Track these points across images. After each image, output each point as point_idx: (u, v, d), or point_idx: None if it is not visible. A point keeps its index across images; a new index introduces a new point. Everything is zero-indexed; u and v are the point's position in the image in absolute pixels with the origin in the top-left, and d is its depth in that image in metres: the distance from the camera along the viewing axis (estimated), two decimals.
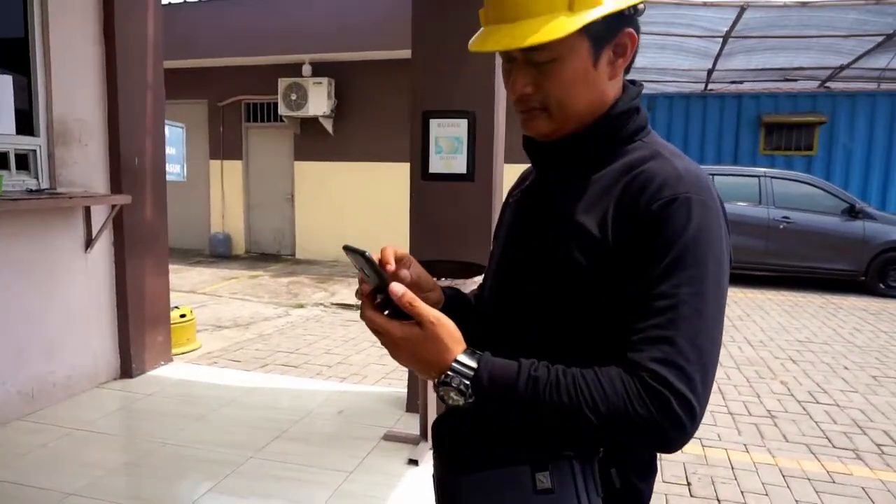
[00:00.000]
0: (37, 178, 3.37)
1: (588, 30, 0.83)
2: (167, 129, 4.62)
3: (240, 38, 8.88)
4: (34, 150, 3.36)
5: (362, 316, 0.84)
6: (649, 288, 0.80)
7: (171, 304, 4.55)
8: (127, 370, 3.93)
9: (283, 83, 9.06)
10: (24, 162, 3.32)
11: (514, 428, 0.81)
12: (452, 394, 0.80)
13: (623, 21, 0.87)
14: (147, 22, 3.93)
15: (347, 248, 0.83)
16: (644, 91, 1.00)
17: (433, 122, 3.34)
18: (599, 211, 0.86)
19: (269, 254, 10.38)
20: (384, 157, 9.11)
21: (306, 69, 9.06)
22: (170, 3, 9.06)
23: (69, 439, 3.09)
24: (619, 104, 0.91)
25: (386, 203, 8.95)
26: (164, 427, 3.27)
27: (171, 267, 8.88)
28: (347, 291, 7.42)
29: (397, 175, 7.85)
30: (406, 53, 3.55)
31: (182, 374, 4.12)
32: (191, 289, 7.60)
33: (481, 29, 0.89)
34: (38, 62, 3.36)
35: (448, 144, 3.36)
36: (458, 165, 3.37)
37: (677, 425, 0.75)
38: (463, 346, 0.83)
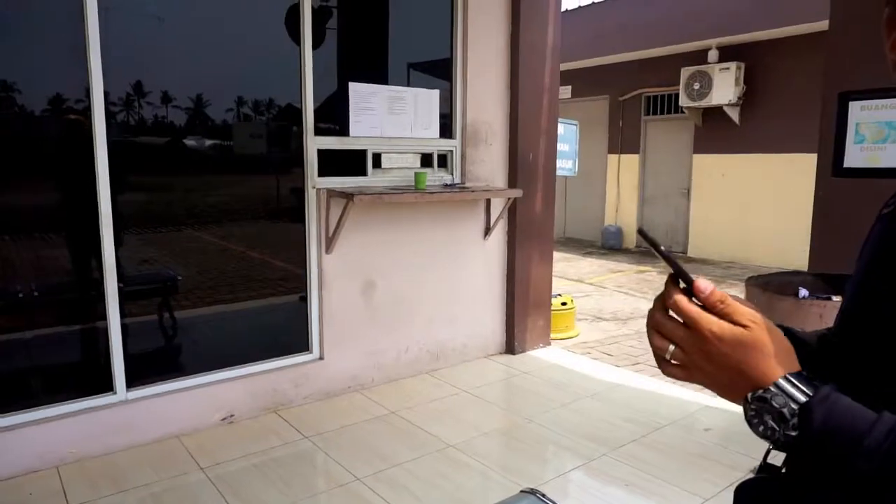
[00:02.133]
0: (451, 174, 4.01)
1: None
2: (561, 127, 4.93)
3: (643, 31, 8.84)
4: (451, 151, 4.00)
5: (666, 300, 0.65)
6: None
7: (555, 292, 4.86)
8: (510, 347, 4.38)
9: (685, 72, 8.67)
10: (443, 160, 3.98)
11: None
12: (768, 418, 0.59)
13: None
14: (547, 30, 4.23)
15: (642, 233, 0.67)
16: None
17: (853, 105, 2.71)
18: None
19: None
20: (799, 147, 7.88)
21: (712, 55, 8.46)
22: (578, 7, 9.59)
23: (456, 398, 3.61)
24: None
25: (798, 201, 7.75)
26: (532, 405, 3.54)
27: (565, 255, 9.54)
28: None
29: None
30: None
31: (556, 358, 4.38)
32: (578, 278, 7.99)
33: None
34: (458, 76, 3.97)
35: (874, 132, 2.69)
36: (888, 158, 2.66)
37: None
38: (796, 366, 0.62)
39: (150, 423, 2.99)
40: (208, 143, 3.35)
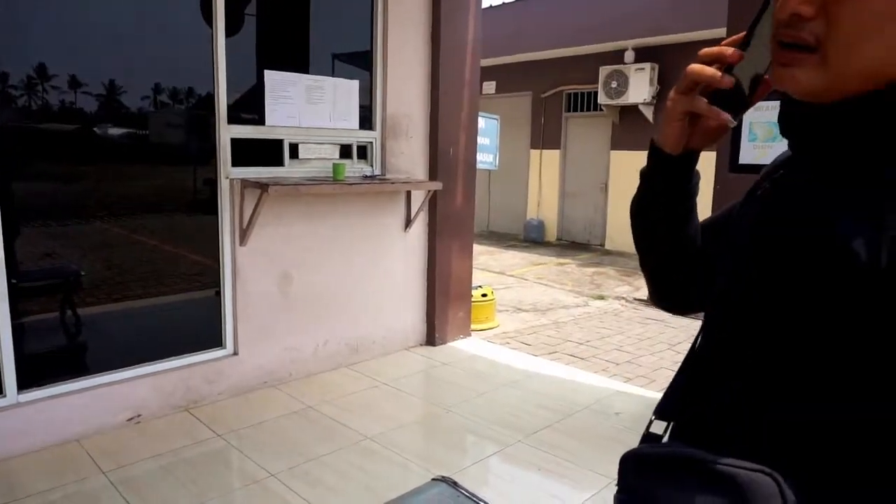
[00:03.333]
0: (371, 165, 3.98)
1: None
2: (482, 121, 4.99)
3: (564, 30, 9.07)
4: (371, 142, 3.97)
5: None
6: None
7: (476, 284, 4.93)
8: (431, 339, 4.40)
9: (603, 71, 8.97)
10: (363, 152, 3.94)
11: None
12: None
13: None
14: (468, 25, 4.27)
15: None
16: None
17: None
18: (874, 223, 0.56)
19: (579, 243, 10.48)
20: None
21: (629, 55, 8.80)
22: (503, 4, 9.73)
23: (376, 391, 3.60)
24: None
25: (703, 196, 8.18)
26: (451, 395, 3.58)
27: (488, 249, 9.69)
28: None
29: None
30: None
31: (476, 349, 4.44)
32: (501, 270, 8.13)
33: None
34: (378, 67, 3.95)
35: (765, 131, 2.88)
36: (774, 155, 2.86)
37: None
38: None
39: (46, 427, 2.82)
40: (113, 131, 3.17)
